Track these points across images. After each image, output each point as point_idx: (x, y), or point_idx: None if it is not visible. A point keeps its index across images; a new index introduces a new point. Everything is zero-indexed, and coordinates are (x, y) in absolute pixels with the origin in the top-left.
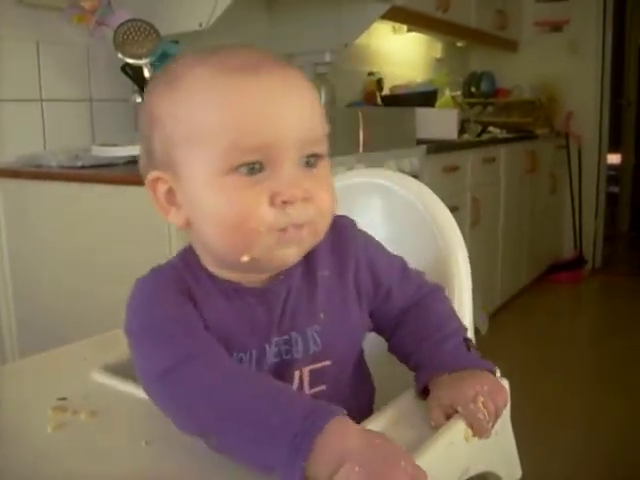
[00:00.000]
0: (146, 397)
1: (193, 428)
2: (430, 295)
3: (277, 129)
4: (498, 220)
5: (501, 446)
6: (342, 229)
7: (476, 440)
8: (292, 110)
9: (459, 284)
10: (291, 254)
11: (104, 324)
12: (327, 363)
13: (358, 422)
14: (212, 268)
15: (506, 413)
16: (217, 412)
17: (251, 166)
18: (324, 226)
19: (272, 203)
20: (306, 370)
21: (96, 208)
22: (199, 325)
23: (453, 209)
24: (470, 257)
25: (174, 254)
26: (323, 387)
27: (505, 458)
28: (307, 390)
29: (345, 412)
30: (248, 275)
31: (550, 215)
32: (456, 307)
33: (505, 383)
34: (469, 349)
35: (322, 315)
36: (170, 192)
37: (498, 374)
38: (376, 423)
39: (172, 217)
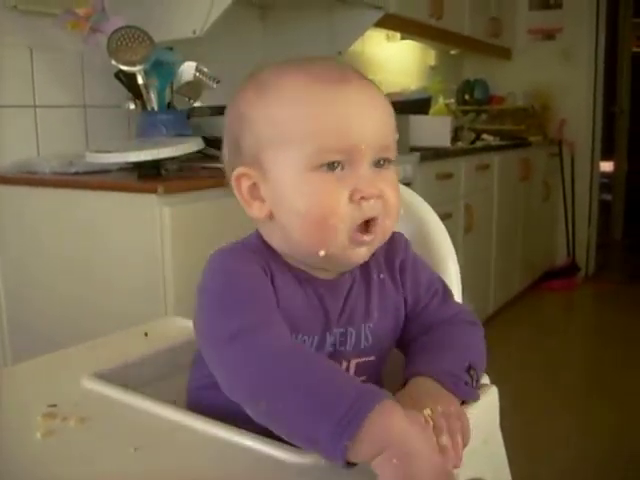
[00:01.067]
0: (136, 403)
1: (244, 392)
2: (466, 323)
3: (358, 134)
4: (491, 227)
5: (490, 453)
6: (395, 241)
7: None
8: (370, 118)
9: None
10: (362, 254)
11: (97, 330)
12: (372, 358)
13: None
14: (292, 261)
15: (496, 421)
16: (273, 378)
17: (333, 165)
18: (392, 224)
19: (351, 199)
20: (353, 362)
21: (89, 214)
22: (272, 299)
23: (446, 216)
24: (463, 264)
25: (167, 259)
26: (364, 378)
27: (494, 465)
28: None
29: (392, 397)
30: (317, 270)
31: (543, 222)
32: None
33: (494, 390)
34: (466, 383)
35: (376, 314)
36: (254, 187)
37: (487, 381)
38: None
39: (254, 210)
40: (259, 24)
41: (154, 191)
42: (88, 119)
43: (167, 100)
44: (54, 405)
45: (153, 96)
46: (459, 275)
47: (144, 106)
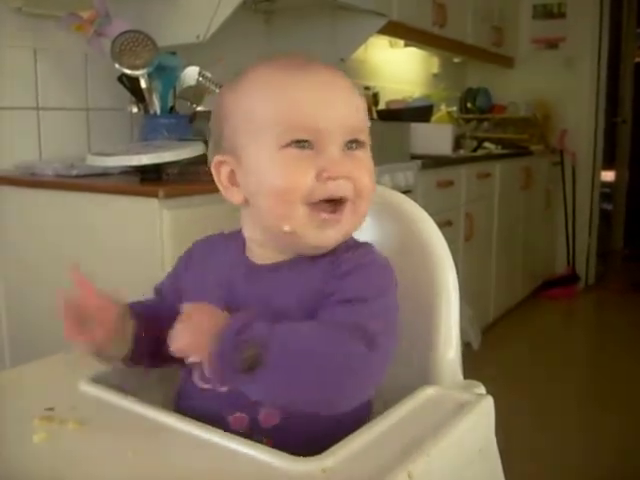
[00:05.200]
0: (133, 408)
1: None
2: (347, 330)
3: (325, 116)
4: (492, 236)
5: (486, 463)
6: (351, 249)
7: None
8: (338, 100)
9: (447, 301)
10: (330, 236)
11: None
12: None
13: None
14: (255, 248)
15: (491, 430)
16: None
17: (301, 144)
18: (364, 207)
19: (318, 177)
20: None
21: (91, 217)
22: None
23: (447, 224)
24: (463, 272)
25: (167, 263)
26: None
27: (489, 475)
28: None
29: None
30: (286, 255)
31: (544, 231)
32: (443, 323)
33: (490, 400)
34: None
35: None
36: (232, 173)
37: (483, 391)
38: (366, 432)
39: (232, 195)
40: (262, 30)
41: (155, 195)
42: (91, 122)
43: (170, 104)
44: (51, 408)
45: (156, 100)
46: (457, 283)
47: (147, 110)
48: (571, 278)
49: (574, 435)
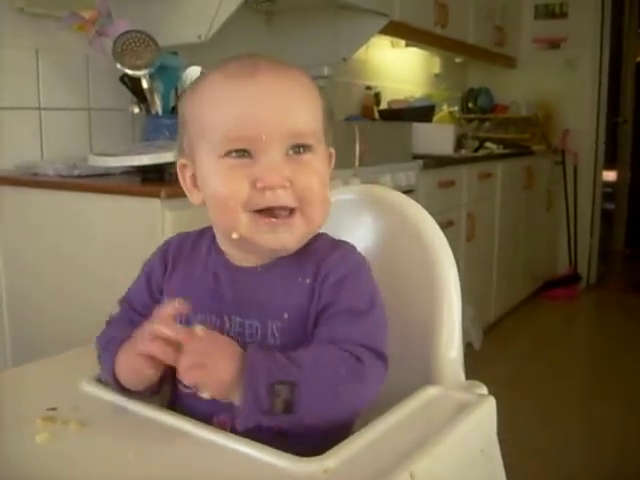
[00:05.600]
0: (135, 408)
1: None
2: (349, 354)
3: (257, 124)
4: (493, 235)
5: (487, 463)
6: (337, 255)
7: None
8: (275, 108)
9: (449, 301)
10: (285, 238)
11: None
12: None
13: None
14: (222, 246)
15: (493, 431)
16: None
17: (240, 153)
18: (316, 214)
19: (254, 186)
20: None
21: (92, 217)
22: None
23: (448, 224)
24: (465, 272)
25: None
26: None
27: (491, 475)
28: None
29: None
30: (243, 257)
31: (545, 231)
32: (445, 323)
33: (492, 400)
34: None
35: (286, 315)
36: (193, 177)
37: (485, 391)
38: (367, 432)
39: (193, 197)
40: (264, 30)
41: (157, 195)
42: (92, 122)
43: (171, 104)
44: (54, 409)
45: (157, 100)
46: (459, 283)
47: (148, 110)
48: (573, 278)
49: (576, 434)
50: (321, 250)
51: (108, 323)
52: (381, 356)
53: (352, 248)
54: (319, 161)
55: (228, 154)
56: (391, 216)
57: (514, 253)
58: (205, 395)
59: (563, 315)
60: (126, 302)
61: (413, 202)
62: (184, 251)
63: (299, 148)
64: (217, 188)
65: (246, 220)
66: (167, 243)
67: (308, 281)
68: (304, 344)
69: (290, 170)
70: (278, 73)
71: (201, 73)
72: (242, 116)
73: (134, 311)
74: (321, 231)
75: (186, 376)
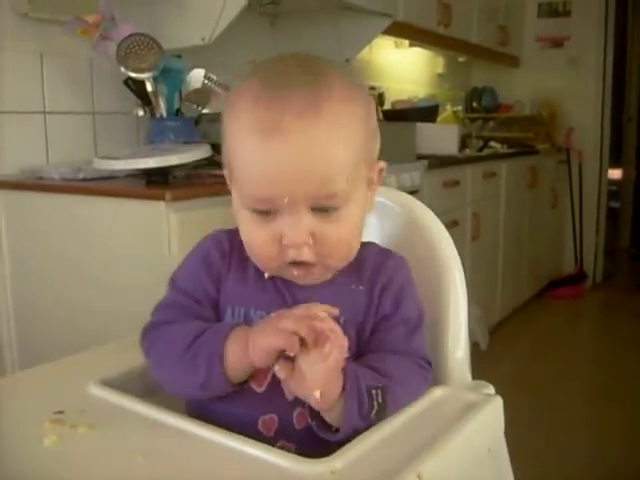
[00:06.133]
0: (143, 411)
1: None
2: (414, 364)
3: (281, 188)
4: (498, 235)
5: (495, 462)
6: (388, 262)
7: None
8: (299, 172)
9: (455, 301)
10: (311, 281)
11: (104, 335)
12: None
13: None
14: None
15: (500, 430)
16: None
17: (265, 213)
18: (334, 262)
19: (280, 242)
20: None
21: (97, 220)
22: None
23: (453, 224)
24: (470, 272)
25: (174, 265)
26: None
27: (499, 475)
28: None
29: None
30: None
31: (551, 230)
32: (451, 324)
33: (499, 400)
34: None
35: (342, 319)
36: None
37: (492, 391)
38: (374, 433)
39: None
40: (268, 31)
41: (162, 198)
42: (97, 125)
43: (175, 107)
44: (61, 412)
45: (162, 103)
46: (464, 283)
47: (153, 113)
48: (578, 277)
49: (580, 434)
50: (372, 258)
51: (159, 309)
52: (430, 363)
53: (403, 258)
54: (348, 212)
55: (253, 210)
56: (397, 217)
57: (519, 252)
58: (317, 404)
59: (569, 314)
60: (181, 290)
61: (419, 203)
62: (236, 248)
63: (327, 209)
64: (246, 236)
65: (275, 267)
66: (217, 235)
67: (362, 288)
68: (359, 349)
69: (315, 225)
70: (309, 122)
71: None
72: (267, 178)
73: (194, 300)
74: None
75: (313, 382)
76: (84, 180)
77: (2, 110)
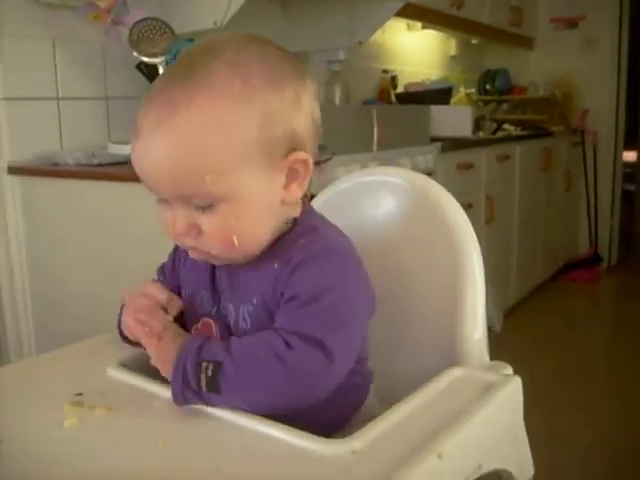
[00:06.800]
0: (162, 394)
1: None
2: (283, 342)
3: (152, 186)
4: (513, 218)
5: (514, 443)
6: (303, 243)
7: None
8: (156, 174)
9: (472, 282)
10: (217, 261)
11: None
12: None
13: None
14: None
15: (519, 411)
16: None
17: (161, 200)
18: (220, 252)
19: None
20: None
21: (112, 205)
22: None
23: (467, 206)
24: (484, 255)
25: None
26: None
27: (518, 456)
28: None
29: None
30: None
31: (565, 213)
32: (469, 304)
33: (518, 380)
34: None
35: (255, 300)
36: None
37: (510, 371)
38: (394, 414)
39: None
40: (279, 14)
41: None
42: (110, 110)
43: None
44: (80, 394)
45: None
46: (482, 264)
47: None
48: (594, 260)
49: (594, 418)
50: (294, 237)
51: None
52: (320, 345)
53: (327, 232)
54: (231, 206)
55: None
56: (416, 198)
57: (534, 235)
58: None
59: (584, 297)
60: (161, 274)
61: (434, 183)
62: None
63: (202, 206)
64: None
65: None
66: None
67: (276, 266)
68: (268, 326)
69: (194, 218)
70: (162, 123)
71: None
72: (139, 174)
73: (164, 277)
74: (314, 215)
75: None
76: (99, 165)
77: (15, 96)
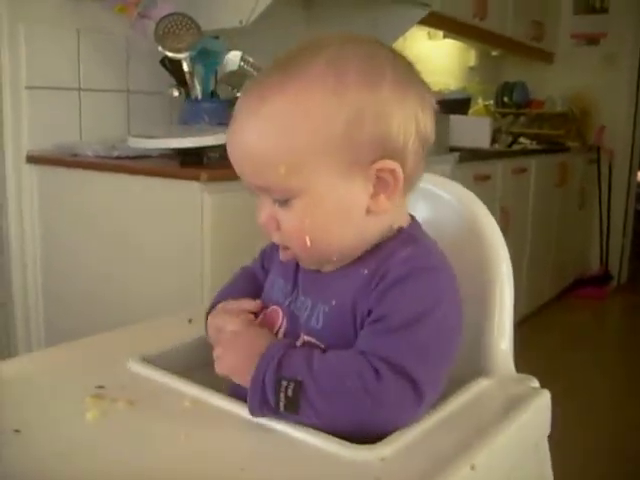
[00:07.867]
0: (184, 389)
1: None
2: (370, 367)
3: (241, 175)
4: (526, 231)
5: (538, 458)
6: (399, 255)
7: None
8: (239, 162)
9: (501, 288)
10: (303, 264)
11: (136, 313)
12: (322, 346)
13: None
14: None
15: (547, 424)
16: None
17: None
18: (297, 250)
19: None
20: (302, 337)
21: (131, 198)
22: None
23: None
24: None
25: (206, 247)
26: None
27: (540, 470)
28: None
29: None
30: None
31: (578, 229)
32: (497, 314)
33: (547, 394)
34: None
35: (334, 302)
36: None
37: (537, 384)
38: (423, 422)
39: None
40: (303, 19)
41: (197, 178)
42: (131, 104)
43: (211, 88)
44: (102, 387)
45: (197, 84)
46: (512, 274)
47: (188, 94)
48: (603, 278)
49: (602, 438)
50: (390, 247)
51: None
52: (410, 379)
53: (426, 249)
54: (305, 204)
55: None
56: (447, 205)
57: (545, 250)
58: (237, 382)
59: (592, 315)
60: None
61: (469, 192)
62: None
63: (283, 200)
64: None
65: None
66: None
67: (366, 272)
68: (345, 338)
69: (275, 212)
70: (253, 111)
71: (242, 59)
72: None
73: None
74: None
75: (221, 361)
76: (118, 158)
77: (37, 85)
